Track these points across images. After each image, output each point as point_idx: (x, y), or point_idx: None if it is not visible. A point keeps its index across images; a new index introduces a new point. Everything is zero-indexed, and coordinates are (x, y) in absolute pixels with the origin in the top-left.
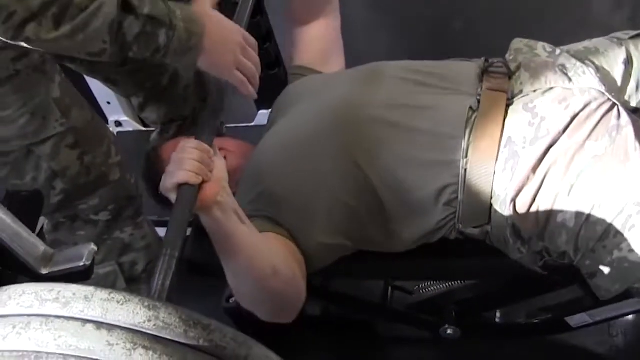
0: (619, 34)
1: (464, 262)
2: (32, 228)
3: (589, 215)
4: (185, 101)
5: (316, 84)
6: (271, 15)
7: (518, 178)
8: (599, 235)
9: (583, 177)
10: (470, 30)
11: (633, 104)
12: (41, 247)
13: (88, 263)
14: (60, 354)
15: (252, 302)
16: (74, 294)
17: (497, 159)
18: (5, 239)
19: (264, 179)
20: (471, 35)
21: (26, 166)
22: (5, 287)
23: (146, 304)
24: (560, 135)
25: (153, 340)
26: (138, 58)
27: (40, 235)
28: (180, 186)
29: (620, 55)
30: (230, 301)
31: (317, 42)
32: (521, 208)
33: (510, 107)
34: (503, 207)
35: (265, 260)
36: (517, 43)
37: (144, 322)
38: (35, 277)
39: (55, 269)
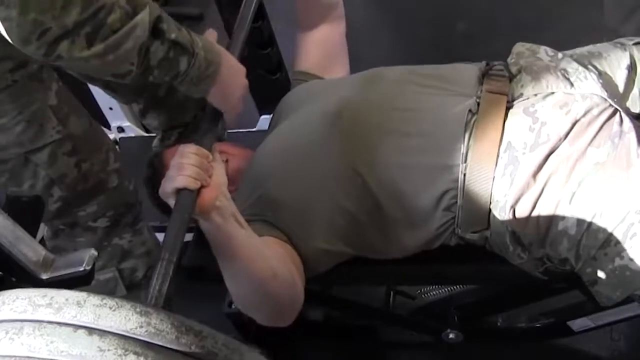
0: (623, 40)
1: (466, 267)
2: (32, 233)
3: (590, 223)
4: (185, 108)
5: (317, 89)
6: (273, 21)
7: (518, 184)
8: (601, 243)
9: (585, 184)
10: (472, 36)
11: (636, 110)
12: (42, 252)
13: (88, 268)
14: None
15: (250, 306)
16: (66, 300)
17: (496, 164)
18: (6, 244)
19: (263, 183)
20: (473, 40)
21: (24, 174)
22: None
23: (138, 309)
24: (561, 142)
25: (145, 347)
26: (156, 82)
27: (41, 242)
28: (179, 191)
29: (623, 60)
30: (232, 306)
31: (321, 47)
32: (521, 214)
33: (511, 110)
34: (502, 213)
35: (265, 264)
36: (519, 47)
37: (136, 328)
38: (36, 283)
39: (56, 274)
